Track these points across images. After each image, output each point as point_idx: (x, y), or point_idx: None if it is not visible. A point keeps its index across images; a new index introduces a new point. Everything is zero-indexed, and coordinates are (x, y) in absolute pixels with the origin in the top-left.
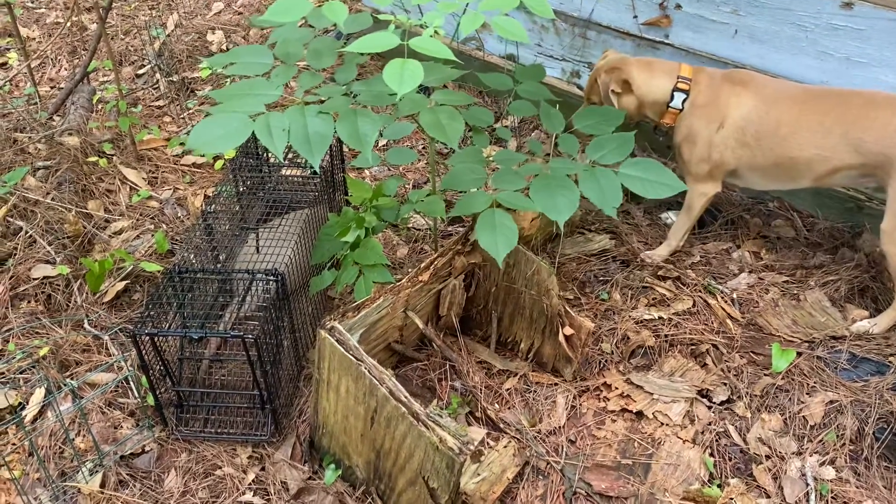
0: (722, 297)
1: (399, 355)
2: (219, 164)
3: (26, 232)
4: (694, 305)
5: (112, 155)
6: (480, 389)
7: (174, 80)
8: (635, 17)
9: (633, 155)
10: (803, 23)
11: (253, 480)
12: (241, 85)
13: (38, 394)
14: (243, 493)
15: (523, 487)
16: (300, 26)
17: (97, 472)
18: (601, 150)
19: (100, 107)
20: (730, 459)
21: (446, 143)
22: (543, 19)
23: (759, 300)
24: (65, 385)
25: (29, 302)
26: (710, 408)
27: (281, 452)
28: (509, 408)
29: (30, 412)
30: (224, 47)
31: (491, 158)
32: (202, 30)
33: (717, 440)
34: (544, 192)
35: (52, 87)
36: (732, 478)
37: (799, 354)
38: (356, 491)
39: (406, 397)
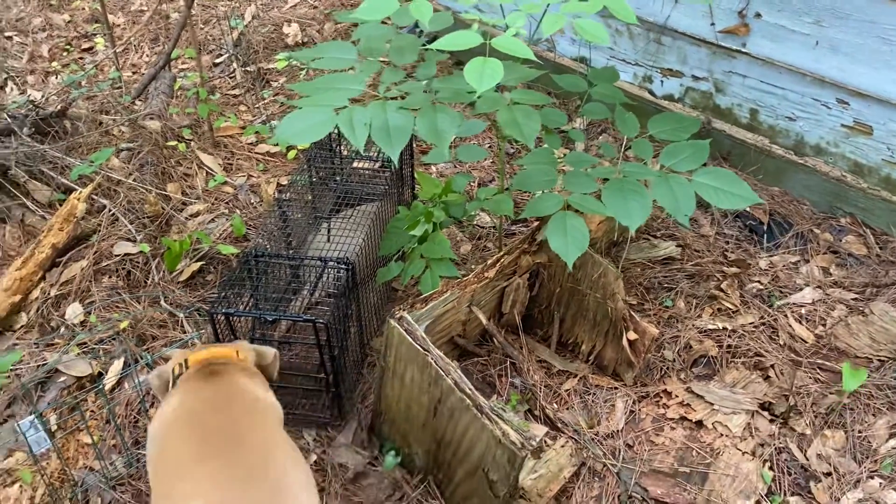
0: (790, 312)
1: (461, 349)
2: (291, 153)
3: (109, 210)
4: (761, 318)
5: (190, 140)
6: (540, 388)
7: (250, 69)
8: (712, 24)
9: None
10: (888, 36)
11: (315, 462)
12: (326, 79)
13: (117, 365)
14: None
15: (579, 488)
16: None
17: None
18: (675, 157)
19: (179, 93)
20: (789, 475)
21: (523, 141)
22: (618, 23)
23: (827, 316)
24: (141, 358)
25: (110, 277)
26: (771, 421)
27: (343, 436)
28: (568, 408)
29: (109, 381)
30: (299, 40)
31: (562, 160)
32: (278, 22)
33: (776, 454)
34: (617, 196)
35: (133, 73)
36: (792, 495)
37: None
38: (413, 478)
39: (471, 389)
